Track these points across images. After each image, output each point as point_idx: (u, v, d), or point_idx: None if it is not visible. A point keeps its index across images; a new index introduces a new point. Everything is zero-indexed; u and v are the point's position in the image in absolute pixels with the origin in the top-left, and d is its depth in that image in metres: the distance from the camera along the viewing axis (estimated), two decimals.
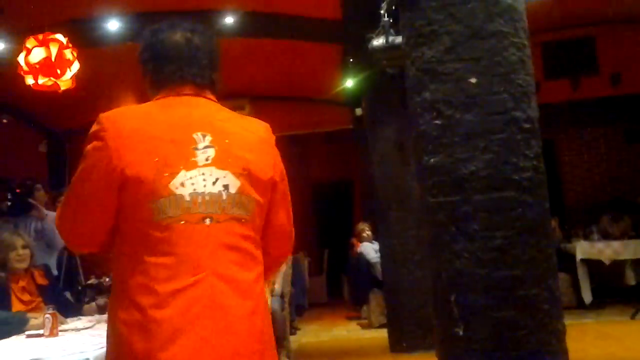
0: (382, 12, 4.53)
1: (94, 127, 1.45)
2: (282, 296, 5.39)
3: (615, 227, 7.80)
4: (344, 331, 7.48)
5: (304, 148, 11.32)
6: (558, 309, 2.43)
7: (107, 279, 5.77)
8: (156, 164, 1.40)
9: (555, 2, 6.96)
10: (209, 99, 1.58)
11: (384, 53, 4.59)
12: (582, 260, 7.21)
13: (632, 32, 8.10)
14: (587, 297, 7.17)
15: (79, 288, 5.66)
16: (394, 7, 4.15)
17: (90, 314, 3.76)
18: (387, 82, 5.46)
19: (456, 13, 2.45)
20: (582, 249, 7.25)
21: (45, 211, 5.12)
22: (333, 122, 10.36)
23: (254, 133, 1.58)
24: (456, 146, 2.41)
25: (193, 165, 1.43)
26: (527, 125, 2.43)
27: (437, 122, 2.47)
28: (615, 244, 7.27)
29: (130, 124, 1.44)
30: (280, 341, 4.81)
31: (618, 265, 7.30)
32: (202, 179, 1.43)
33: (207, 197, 1.42)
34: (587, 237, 7.62)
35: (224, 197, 1.44)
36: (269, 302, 4.88)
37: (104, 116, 1.46)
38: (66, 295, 4.64)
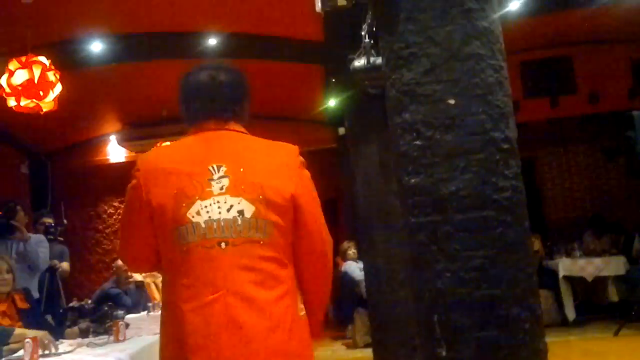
0: (363, 33, 4.59)
1: (134, 168, 1.71)
2: None
3: (596, 244, 7.88)
4: (328, 351, 7.44)
5: None
6: (539, 328, 2.45)
7: (89, 302, 5.69)
8: (175, 196, 1.60)
9: (533, 23, 7.09)
10: (233, 130, 1.75)
11: (366, 74, 4.65)
12: (565, 277, 7.26)
13: (608, 52, 8.28)
14: (571, 314, 7.22)
15: (61, 311, 5.58)
16: (374, 29, 4.21)
17: (72, 337, 3.71)
18: (369, 102, 5.51)
19: (434, 36, 2.49)
20: (565, 266, 7.31)
21: (28, 234, 5.07)
22: (316, 141, 10.38)
23: (274, 158, 1.72)
24: (436, 166, 2.44)
25: (208, 195, 1.60)
26: (505, 146, 2.46)
27: (417, 142, 2.49)
28: (597, 261, 7.34)
29: (157, 162, 1.69)
30: None
31: (601, 282, 7.37)
32: (217, 207, 1.59)
33: (222, 223, 1.58)
34: (569, 254, 7.67)
35: (239, 222, 1.58)
36: None
37: (139, 157, 1.74)
38: (47, 318, 4.58)
